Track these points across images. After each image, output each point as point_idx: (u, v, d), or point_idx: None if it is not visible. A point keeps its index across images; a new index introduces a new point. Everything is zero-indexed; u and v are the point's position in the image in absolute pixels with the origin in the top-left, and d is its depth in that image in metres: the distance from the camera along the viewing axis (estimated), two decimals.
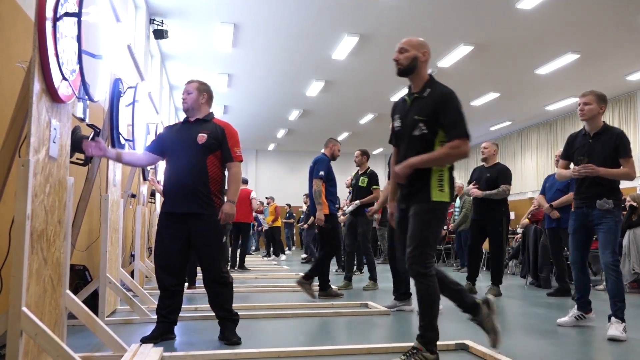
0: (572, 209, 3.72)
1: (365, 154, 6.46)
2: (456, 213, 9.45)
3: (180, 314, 3.27)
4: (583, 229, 3.59)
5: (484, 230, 5.72)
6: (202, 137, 3.12)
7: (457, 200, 9.44)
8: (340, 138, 18.54)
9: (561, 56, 10.26)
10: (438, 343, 3.02)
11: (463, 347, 2.98)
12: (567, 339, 3.32)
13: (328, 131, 17.83)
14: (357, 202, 6.14)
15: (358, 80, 12.08)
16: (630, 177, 3.44)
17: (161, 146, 3.28)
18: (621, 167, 3.47)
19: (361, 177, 6.35)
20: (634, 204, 6.27)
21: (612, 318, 3.34)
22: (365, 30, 9.22)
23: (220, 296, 3.15)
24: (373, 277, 6.19)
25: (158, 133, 3.41)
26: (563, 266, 5.77)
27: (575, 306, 3.73)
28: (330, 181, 5.43)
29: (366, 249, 6.35)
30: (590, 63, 10.79)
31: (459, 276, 7.77)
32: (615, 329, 3.28)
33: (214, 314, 3.22)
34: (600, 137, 3.55)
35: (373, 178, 6.30)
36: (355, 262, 7.58)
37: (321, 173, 5.32)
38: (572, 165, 3.76)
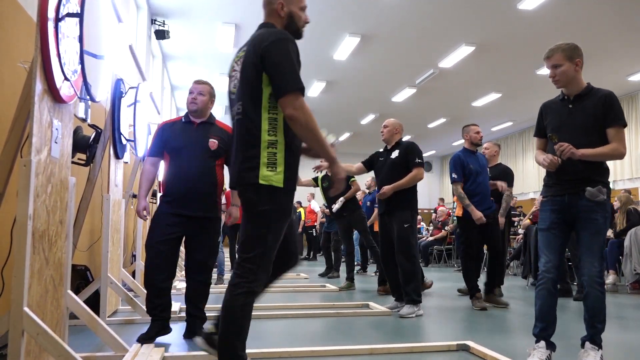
0: (544, 197, 2.75)
1: None
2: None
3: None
4: (563, 225, 2.63)
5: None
6: (213, 144, 3.16)
7: None
8: (341, 139, 18.53)
9: None
10: (439, 343, 3.04)
11: (464, 348, 2.97)
12: (568, 339, 3.31)
13: (329, 131, 17.85)
14: (342, 199, 6.14)
15: (359, 80, 12.08)
16: (620, 154, 2.54)
17: (163, 147, 3.26)
18: (609, 142, 2.55)
19: None
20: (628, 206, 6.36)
21: (587, 344, 2.58)
22: (367, 30, 9.22)
23: (200, 295, 3.22)
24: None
25: (157, 134, 3.35)
26: (564, 267, 5.76)
27: (539, 343, 2.68)
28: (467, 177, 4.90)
29: (370, 242, 6.35)
30: (592, 64, 10.78)
31: (461, 277, 7.77)
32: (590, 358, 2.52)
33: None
34: (583, 101, 2.65)
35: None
36: (355, 262, 7.59)
37: (453, 175, 4.85)
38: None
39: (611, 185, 8.45)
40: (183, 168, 3.13)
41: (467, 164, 4.84)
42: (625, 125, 2.59)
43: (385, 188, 4.36)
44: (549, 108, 2.79)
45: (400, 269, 4.30)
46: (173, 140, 3.20)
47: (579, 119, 2.61)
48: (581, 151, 2.49)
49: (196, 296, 3.21)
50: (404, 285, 4.27)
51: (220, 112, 14.90)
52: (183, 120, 3.29)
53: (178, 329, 3.55)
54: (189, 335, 3.19)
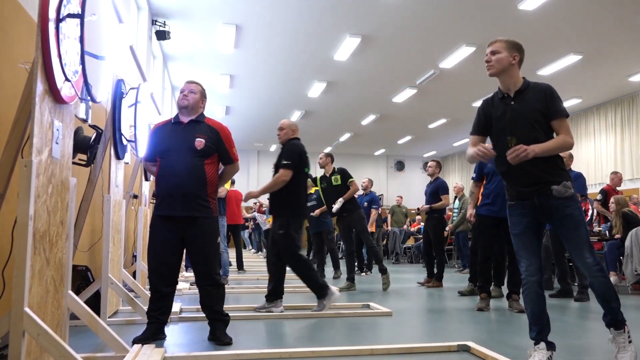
0: (511, 201, 2.69)
1: (329, 156, 6.61)
2: (454, 214, 9.44)
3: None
4: (535, 227, 2.64)
5: None
6: (200, 143, 3.15)
7: (456, 201, 9.44)
8: (342, 139, 18.54)
9: (563, 57, 10.24)
10: (440, 344, 3.04)
11: (465, 349, 2.97)
12: (569, 340, 3.32)
13: (330, 132, 17.88)
14: (341, 199, 6.17)
15: (360, 81, 12.09)
16: (569, 144, 2.57)
17: (155, 152, 3.28)
18: (556, 134, 2.60)
19: (332, 177, 6.40)
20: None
21: (612, 329, 2.63)
22: (368, 31, 9.22)
23: (212, 297, 3.18)
24: (382, 270, 6.16)
25: (150, 138, 3.37)
26: (565, 267, 5.76)
27: (540, 344, 2.62)
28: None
29: (369, 242, 6.34)
30: (593, 64, 10.78)
31: (462, 277, 7.77)
32: (621, 347, 2.59)
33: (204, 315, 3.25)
34: (523, 97, 2.69)
35: (345, 173, 6.39)
36: (356, 263, 7.57)
37: (472, 175, 5.24)
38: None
39: None
40: (169, 169, 3.13)
41: (485, 164, 4.89)
42: (567, 115, 2.62)
43: (251, 192, 4.39)
44: (492, 105, 2.81)
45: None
46: (161, 143, 3.23)
47: (523, 114, 2.62)
48: (532, 149, 2.46)
49: (209, 300, 3.18)
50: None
51: (221, 113, 14.91)
52: (172, 121, 3.30)
53: (178, 329, 3.56)
54: (212, 338, 3.16)
